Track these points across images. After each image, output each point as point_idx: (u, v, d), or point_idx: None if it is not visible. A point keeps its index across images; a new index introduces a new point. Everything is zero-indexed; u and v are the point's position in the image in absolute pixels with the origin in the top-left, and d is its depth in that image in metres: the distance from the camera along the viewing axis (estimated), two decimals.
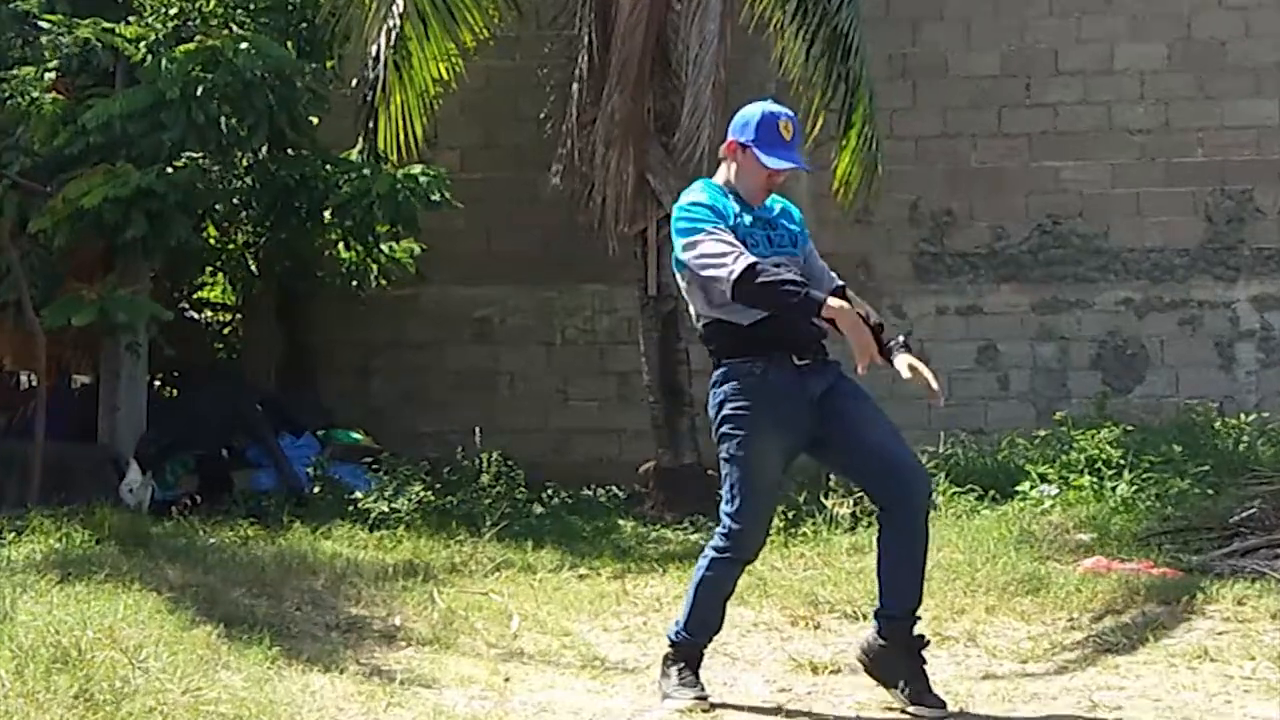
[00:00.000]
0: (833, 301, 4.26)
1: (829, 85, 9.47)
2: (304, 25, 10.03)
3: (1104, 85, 11.46)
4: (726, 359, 4.45)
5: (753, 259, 4.25)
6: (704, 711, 4.35)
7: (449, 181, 9.95)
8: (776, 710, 4.41)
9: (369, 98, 9.84)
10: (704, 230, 4.35)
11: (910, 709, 4.34)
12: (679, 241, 4.43)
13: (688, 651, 4.55)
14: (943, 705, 4.35)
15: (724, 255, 4.27)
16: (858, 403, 4.49)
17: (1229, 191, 11.33)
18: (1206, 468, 8.00)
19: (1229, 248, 11.33)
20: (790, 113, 4.64)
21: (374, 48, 9.47)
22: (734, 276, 4.21)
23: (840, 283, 4.62)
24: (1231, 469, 8.14)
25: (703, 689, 4.47)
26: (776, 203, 4.67)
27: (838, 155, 9.55)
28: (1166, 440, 8.67)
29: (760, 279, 4.21)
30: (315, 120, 10.30)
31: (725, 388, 4.42)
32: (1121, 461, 8.02)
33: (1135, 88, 11.45)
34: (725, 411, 4.40)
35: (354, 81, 10.02)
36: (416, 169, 9.78)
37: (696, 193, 4.52)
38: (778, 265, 4.36)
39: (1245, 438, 9.04)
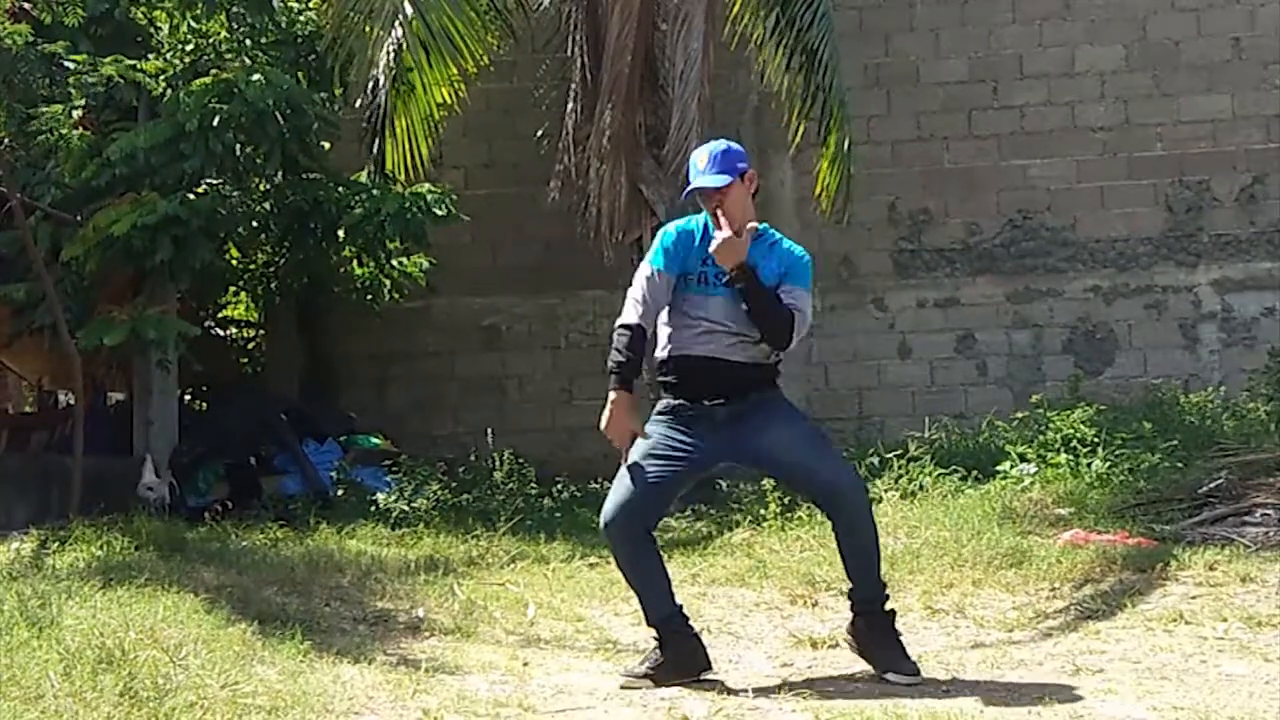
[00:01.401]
0: (612, 396, 4.36)
1: (808, 96, 9.47)
2: (312, 56, 10.03)
3: (1066, 86, 11.47)
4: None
5: (625, 323, 4.41)
6: (653, 685, 4.36)
7: (455, 197, 9.95)
8: (779, 684, 4.40)
9: (374, 122, 9.84)
10: (643, 267, 4.54)
11: (887, 675, 4.35)
12: None
13: (654, 627, 4.52)
14: (916, 671, 4.36)
15: (628, 299, 4.49)
16: (771, 430, 4.40)
17: (1187, 182, 11.34)
18: (1175, 443, 8.00)
19: (1189, 235, 11.34)
20: (716, 144, 4.57)
21: (377, 74, 9.46)
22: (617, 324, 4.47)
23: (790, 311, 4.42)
24: (1199, 443, 8.13)
25: (651, 665, 4.45)
26: (771, 241, 4.50)
27: (817, 162, 9.54)
28: (1137, 418, 8.67)
29: (614, 337, 4.44)
30: (327, 145, 10.31)
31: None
32: (1095, 439, 8.01)
33: (1096, 88, 11.46)
34: None
35: (357, 102, 10.02)
36: (423, 187, 9.78)
37: (668, 227, 4.62)
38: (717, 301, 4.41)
39: (1210, 413, 9.04)
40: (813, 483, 4.45)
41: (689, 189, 4.53)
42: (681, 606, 4.55)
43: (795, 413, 4.58)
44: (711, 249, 4.35)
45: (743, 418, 4.41)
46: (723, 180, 4.45)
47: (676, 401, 4.48)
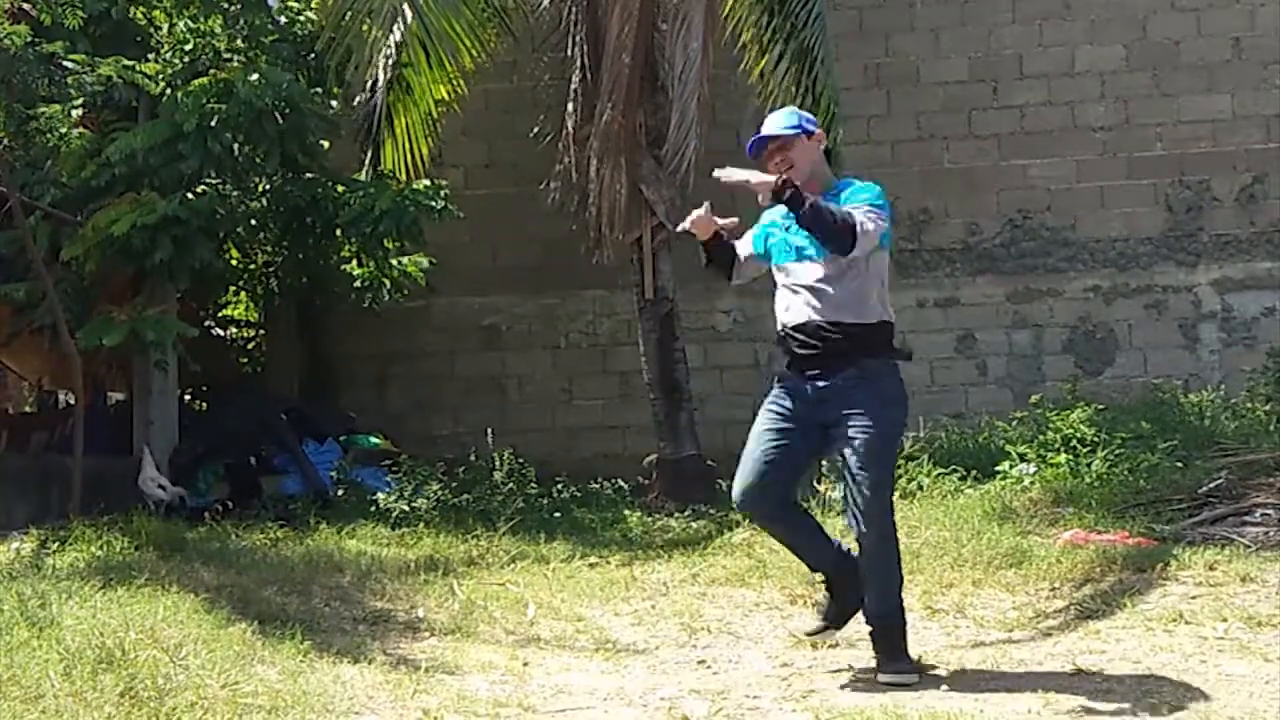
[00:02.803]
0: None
1: (800, 95, 9.46)
2: (311, 55, 10.03)
3: (1067, 86, 11.47)
4: None
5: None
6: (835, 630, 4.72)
7: (451, 192, 9.94)
8: (780, 684, 4.41)
9: (372, 121, 9.83)
10: None
11: (884, 677, 4.36)
12: None
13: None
14: (914, 671, 4.38)
15: None
16: (842, 428, 4.41)
17: (1187, 182, 11.35)
18: (1175, 442, 8.00)
19: (1189, 235, 11.34)
20: (789, 108, 4.79)
21: (375, 73, 9.45)
22: None
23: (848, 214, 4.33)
24: (1199, 443, 8.14)
25: (824, 615, 4.79)
26: (836, 192, 4.48)
27: None
28: (1137, 418, 8.67)
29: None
30: (325, 144, 10.30)
31: None
32: (1095, 439, 8.01)
33: (1096, 87, 11.46)
34: None
35: (355, 100, 10.01)
36: (420, 183, 9.77)
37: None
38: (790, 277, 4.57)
39: (1210, 413, 9.04)
40: (849, 500, 4.45)
41: (753, 139, 4.60)
42: (841, 544, 4.70)
43: (877, 414, 4.40)
44: (723, 176, 4.44)
45: (829, 403, 4.42)
46: (784, 130, 4.54)
47: (784, 371, 4.56)
